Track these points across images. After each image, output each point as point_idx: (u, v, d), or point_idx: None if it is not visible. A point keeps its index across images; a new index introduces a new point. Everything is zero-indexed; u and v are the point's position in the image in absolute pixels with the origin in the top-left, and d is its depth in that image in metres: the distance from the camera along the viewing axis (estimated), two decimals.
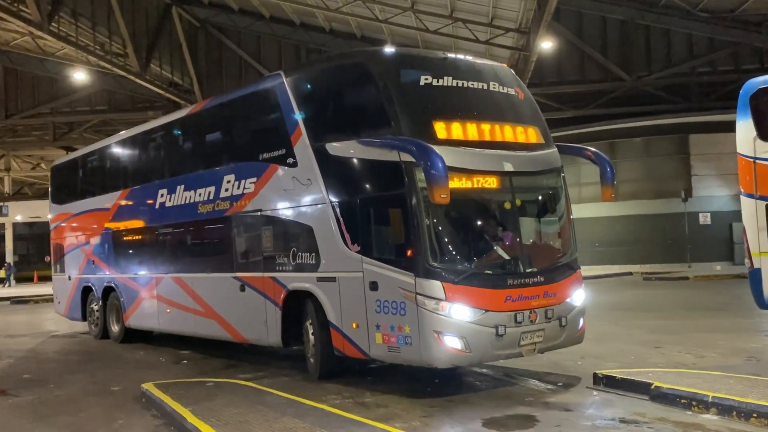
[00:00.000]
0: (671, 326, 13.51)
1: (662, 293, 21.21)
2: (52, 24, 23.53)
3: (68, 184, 17.12)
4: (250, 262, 10.79)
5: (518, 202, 8.71)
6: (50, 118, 36.46)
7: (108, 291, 14.96)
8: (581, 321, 8.92)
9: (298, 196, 9.65)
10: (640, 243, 31.83)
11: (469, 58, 9.61)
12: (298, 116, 9.70)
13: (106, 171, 15.89)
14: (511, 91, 9.25)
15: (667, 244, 31.41)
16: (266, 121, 10.81)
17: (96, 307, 15.48)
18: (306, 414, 7.16)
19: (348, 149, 8.79)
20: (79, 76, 29.25)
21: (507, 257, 8.47)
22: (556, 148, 9.39)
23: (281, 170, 9.94)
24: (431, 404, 7.93)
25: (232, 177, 11.05)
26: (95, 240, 15.45)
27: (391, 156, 8.11)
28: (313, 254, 9.34)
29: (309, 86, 10.05)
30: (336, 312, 8.93)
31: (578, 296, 8.90)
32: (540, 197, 9.36)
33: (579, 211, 35.50)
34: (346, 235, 8.75)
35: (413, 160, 7.82)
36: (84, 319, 16.15)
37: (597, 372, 8.52)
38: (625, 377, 8.14)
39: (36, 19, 22.27)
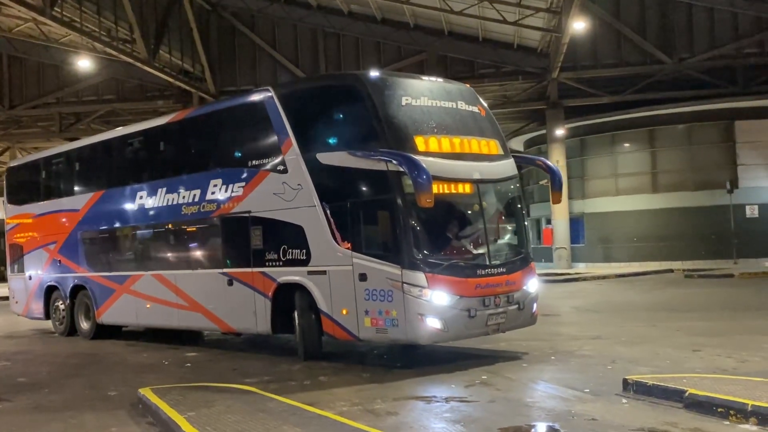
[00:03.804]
0: (713, 328, 13.22)
1: (705, 292, 20.84)
2: (55, 9, 23.72)
3: (29, 185, 17.82)
4: (238, 258, 12.28)
5: (484, 205, 10.72)
6: (56, 109, 36.82)
7: (77, 289, 15.83)
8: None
9: (288, 200, 11.15)
10: (681, 238, 31.35)
11: (440, 80, 11.75)
12: (289, 129, 11.26)
13: (75, 173, 16.57)
14: (475, 109, 11.17)
15: (711, 239, 30.90)
16: (255, 131, 12.23)
17: (62, 306, 16.33)
18: (308, 422, 7.03)
19: (339, 159, 10.45)
20: (84, 63, 29.41)
21: (476, 252, 10.48)
22: (512, 159, 11.35)
23: (271, 176, 11.49)
24: (445, 412, 7.79)
25: (219, 181, 12.46)
26: (62, 240, 16.19)
27: (379, 166, 9.85)
28: (304, 251, 10.96)
29: (300, 102, 11.64)
30: (326, 301, 10.62)
31: (532, 284, 10.91)
32: (501, 201, 11.33)
33: (616, 204, 35.20)
34: (337, 234, 10.45)
35: (400, 169, 9.56)
36: (47, 317, 16.90)
37: (627, 377, 8.30)
38: (658, 383, 7.90)
39: (38, 3, 22.45)
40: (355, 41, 34.20)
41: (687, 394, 7.42)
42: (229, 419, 7.28)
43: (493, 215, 11.03)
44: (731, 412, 6.93)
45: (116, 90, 36.21)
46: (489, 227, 10.67)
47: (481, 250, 10.46)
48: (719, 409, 7.04)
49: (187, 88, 33.20)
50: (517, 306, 10.50)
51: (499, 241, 11.07)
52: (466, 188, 10.43)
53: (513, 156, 11.45)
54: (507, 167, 11.13)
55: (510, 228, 11.36)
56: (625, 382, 8.24)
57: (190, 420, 7.20)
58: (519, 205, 11.39)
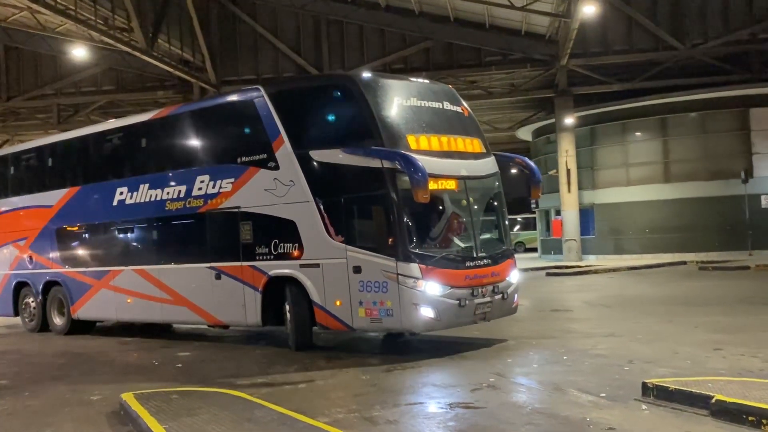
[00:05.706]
0: (732, 323, 12.59)
1: (720, 285, 20.17)
2: None
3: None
4: (226, 253, 12.40)
5: (471, 200, 11.21)
6: (54, 100, 36.29)
7: (50, 285, 15.81)
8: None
9: (280, 195, 11.44)
10: (695, 229, 30.65)
11: (426, 81, 12.23)
12: (280, 126, 11.53)
13: (48, 169, 16.37)
14: (459, 109, 11.74)
15: (726, 229, 30.20)
16: (244, 129, 12.56)
17: (33, 302, 16.32)
18: None
19: (333, 156, 10.81)
20: (79, 53, 28.82)
21: (465, 244, 11.01)
22: (493, 156, 11.87)
23: (262, 172, 11.74)
24: (450, 420, 7.22)
25: (206, 177, 12.65)
26: (34, 236, 16.15)
27: (374, 163, 10.25)
28: (296, 244, 11.29)
29: (291, 101, 11.84)
30: (319, 293, 10.98)
31: (514, 275, 11.53)
32: (485, 196, 11.77)
33: (627, 194, 34.57)
34: (330, 228, 10.79)
35: (394, 166, 10.04)
36: (16, 314, 16.78)
37: (647, 381, 7.69)
38: (681, 388, 7.29)
39: None
40: (358, 29, 33.52)
41: (714, 400, 6.82)
42: (213, 430, 6.71)
43: (478, 210, 11.47)
44: (764, 421, 6.33)
45: (115, 80, 35.63)
46: (475, 221, 11.16)
47: (469, 243, 10.99)
48: (750, 418, 6.45)
49: (188, 78, 32.61)
50: (501, 296, 11.04)
51: (485, 235, 11.60)
52: (454, 185, 10.90)
53: (493, 154, 11.99)
54: (489, 164, 11.69)
55: (493, 222, 11.95)
56: (645, 386, 7.64)
57: (170, 431, 6.64)
58: (500, 201, 11.89)
